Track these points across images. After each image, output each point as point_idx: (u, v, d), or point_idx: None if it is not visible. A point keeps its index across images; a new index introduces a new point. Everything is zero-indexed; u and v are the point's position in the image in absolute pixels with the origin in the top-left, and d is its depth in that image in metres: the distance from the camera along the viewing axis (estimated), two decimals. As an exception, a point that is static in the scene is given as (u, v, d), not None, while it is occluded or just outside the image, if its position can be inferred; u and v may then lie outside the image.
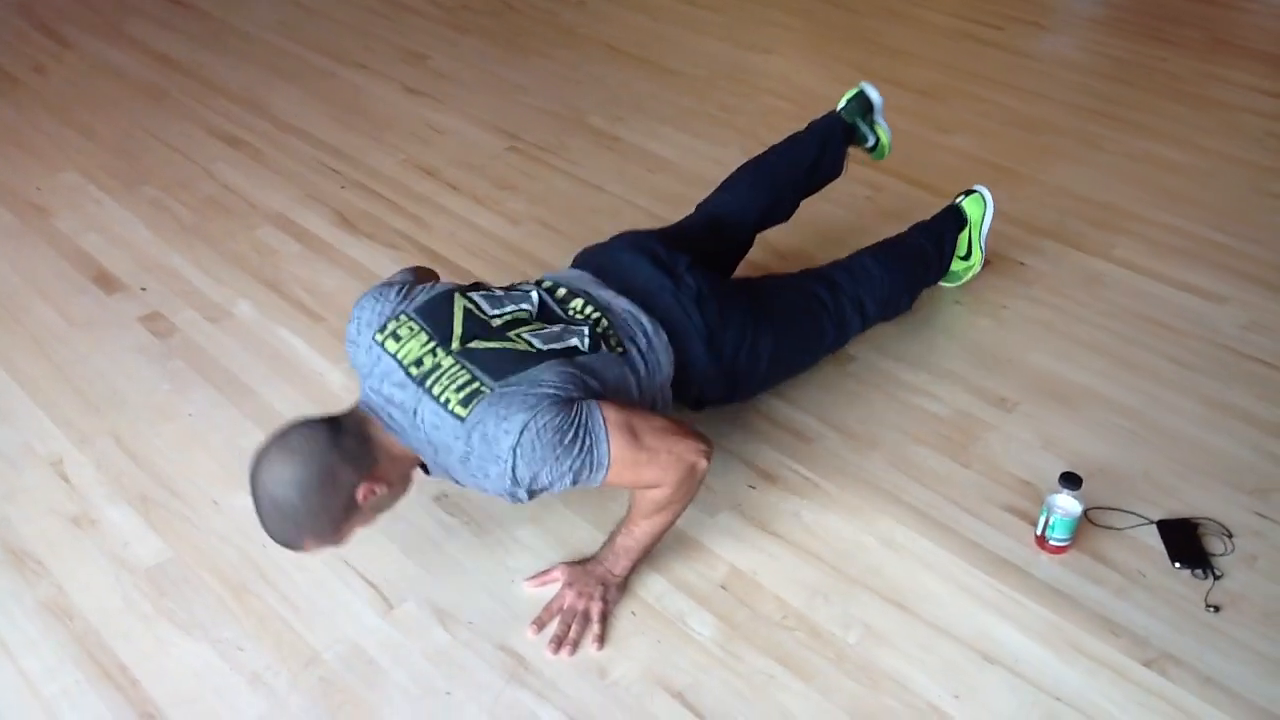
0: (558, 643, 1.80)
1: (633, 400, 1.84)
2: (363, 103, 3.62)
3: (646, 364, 1.91)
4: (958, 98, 3.74)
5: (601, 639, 1.81)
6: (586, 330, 1.83)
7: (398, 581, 1.92)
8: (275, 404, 2.30)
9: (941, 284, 2.69)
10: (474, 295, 1.85)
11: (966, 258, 2.64)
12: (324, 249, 2.82)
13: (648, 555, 1.91)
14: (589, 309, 1.90)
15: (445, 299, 1.81)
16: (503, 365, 1.69)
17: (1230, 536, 2.03)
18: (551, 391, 1.65)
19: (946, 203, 2.65)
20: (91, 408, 2.29)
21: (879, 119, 2.74)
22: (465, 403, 1.64)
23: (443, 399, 1.66)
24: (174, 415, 2.28)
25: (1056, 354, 2.51)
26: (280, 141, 3.35)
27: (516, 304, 1.86)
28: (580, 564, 1.91)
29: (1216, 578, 1.95)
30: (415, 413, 1.68)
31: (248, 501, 2.03)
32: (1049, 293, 2.72)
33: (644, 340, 1.93)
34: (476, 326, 1.77)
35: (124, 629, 1.82)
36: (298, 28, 4.20)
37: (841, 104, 2.68)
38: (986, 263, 2.69)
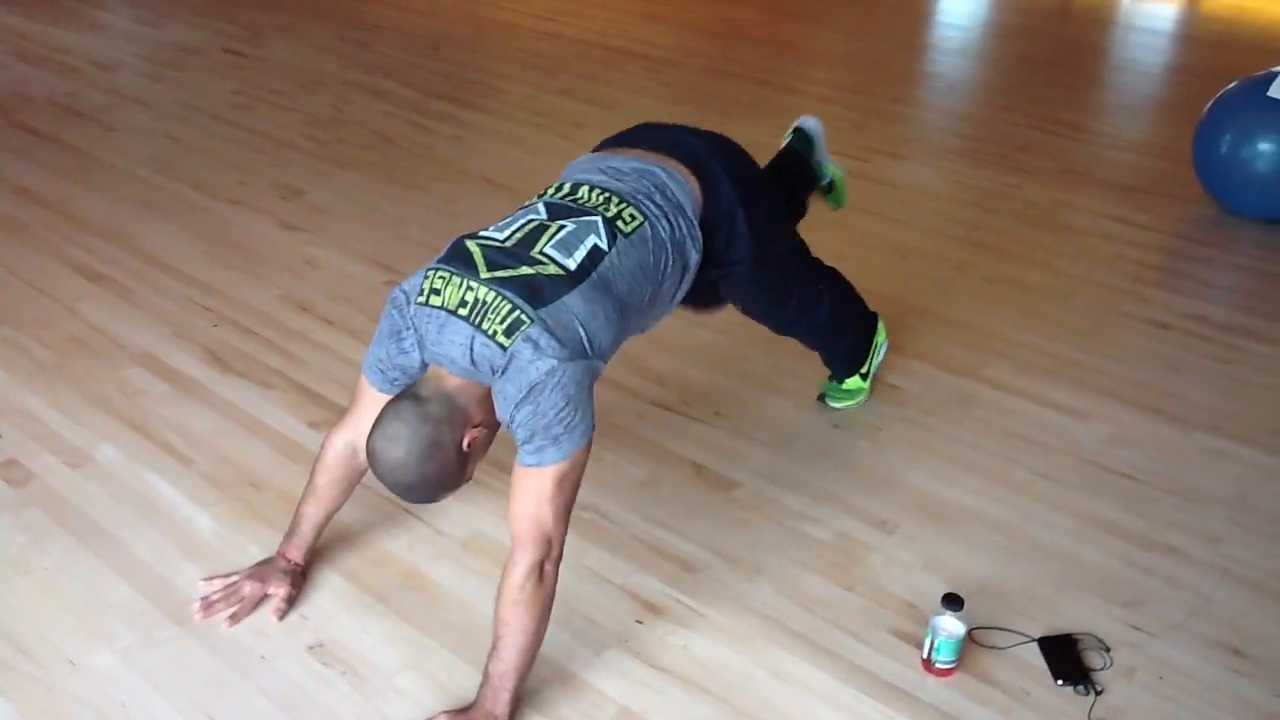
0: (443, 799, 1.73)
1: (652, 271, 1.97)
2: (237, 238, 3.57)
3: (666, 214, 2.01)
4: (825, 225, 3.84)
5: (490, 792, 1.75)
6: (600, 221, 1.93)
7: (270, 739, 1.82)
8: (140, 553, 2.19)
9: (834, 405, 2.76)
10: (481, 233, 1.93)
11: (866, 376, 2.73)
12: (194, 389, 2.74)
13: (523, 685, 1.84)
14: (594, 194, 1.99)
15: (458, 247, 1.89)
16: (538, 291, 1.79)
17: (1108, 650, 2.07)
18: (584, 342, 1.79)
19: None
20: (-63, 564, 2.15)
21: (826, 157, 2.73)
22: (509, 332, 1.75)
23: (489, 331, 1.75)
24: (28, 569, 2.15)
25: (932, 473, 2.56)
26: (149, 278, 3.27)
27: (524, 218, 1.94)
28: (462, 711, 1.83)
29: (1098, 693, 1.97)
30: (472, 349, 1.76)
31: (108, 659, 1.94)
32: (922, 414, 2.79)
33: (659, 195, 2.03)
34: (496, 255, 1.85)
35: (-35, 807, 1.68)
36: (170, 162, 4.14)
37: (785, 141, 2.68)
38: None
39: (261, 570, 2.08)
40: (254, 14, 6.28)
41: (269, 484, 2.40)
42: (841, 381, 2.76)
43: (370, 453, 1.77)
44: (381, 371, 1.93)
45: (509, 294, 1.77)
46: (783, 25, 6.95)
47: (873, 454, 2.64)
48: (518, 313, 1.76)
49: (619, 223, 1.94)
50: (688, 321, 2.81)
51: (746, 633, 2.07)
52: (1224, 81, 4.22)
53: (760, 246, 2.23)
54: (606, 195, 1.99)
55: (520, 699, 1.85)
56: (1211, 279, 3.71)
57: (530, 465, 1.77)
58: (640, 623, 2.09)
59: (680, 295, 2.12)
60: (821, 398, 2.79)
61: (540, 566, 1.78)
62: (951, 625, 1.96)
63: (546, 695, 1.90)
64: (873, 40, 6.65)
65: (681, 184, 2.08)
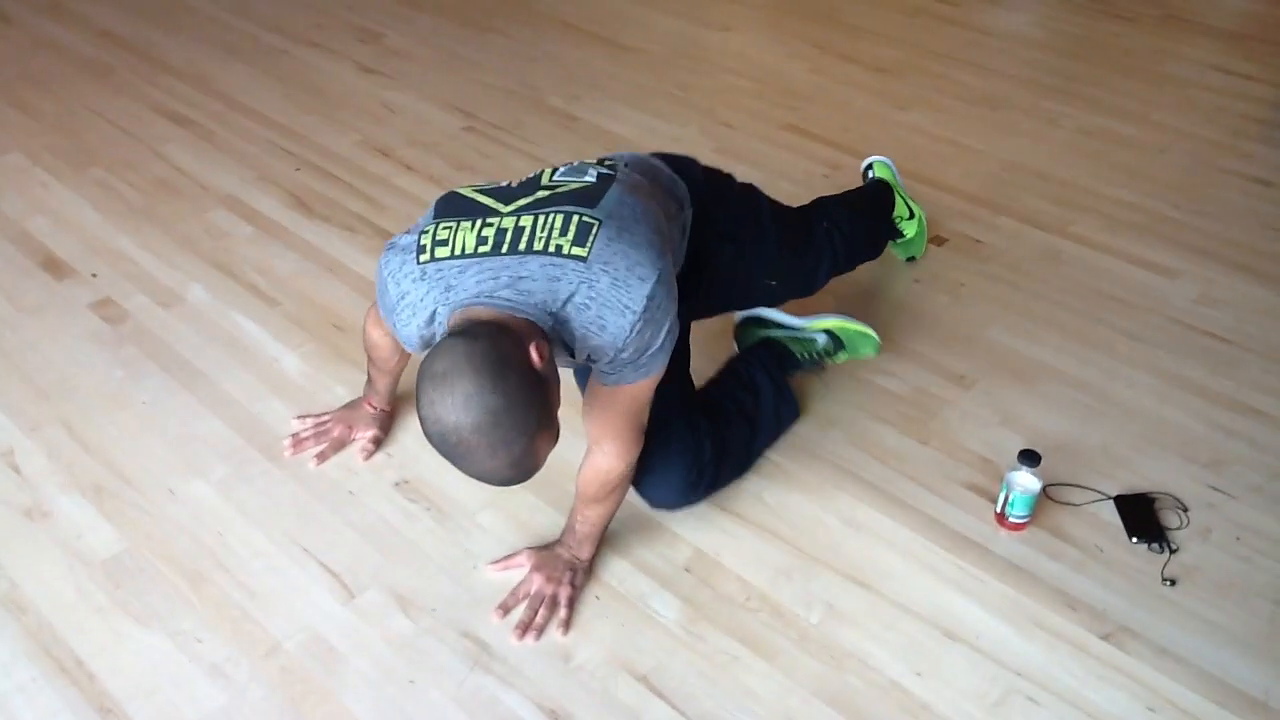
0: (523, 628, 1.79)
1: (663, 204, 1.75)
2: (316, 81, 3.56)
3: (660, 180, 1.83)
4: (915, 74, 3.74)
5: (568, 624, 1.81)
6: (591, 168, 1.70)
7: (358, 569, 1.90)
8: (231, 390, 2.27)
9: (901, 255, 2.71)
10: (472, 185, 1.68)
11: (911, 217, 2.66)
12: (278, 232, 2.78)
13: (604, 538, 1.91)
14: (574, 164, 1.75)
15: (452, 195, 1.65)
16: (583, 197, 1.57)
17: (1185, 510, 2.06)
18: (655, 238, 1.58)
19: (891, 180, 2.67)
20: (42, 396, 2.24)
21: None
22: (580, 241, 1.50)
23: (552, 247, 1.49)
24: (127, 403, 2.24)
25: (1013, 330, 2.52)
26: (231, 121, 3.29)
27: (506, 181, 1.71)
28: (546, 549, 1.90)
29: (1172, 551, 1.97)
30: (520, 280, 1.49)
31: (203, 488, 2.03)
32: (1006, 269, 2.73)
33: (651, 170, 1.85)
34: (505, 193, 1.63)
35: (79, 622, 1.79)
36: (248, 4, 4.12)
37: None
38: (938, 238, 2.71)
39: (349, 414, 2.14)
40: None
41: (352, 325, 2.44)
42: (897, 239, 2.69)
43: (428, 423, 1.39)
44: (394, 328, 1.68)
45: (553, 208, 1.55)
46: None
47: (953, 309, 2.61)
48: (578, 216, 1.53)
49: (609, 168, 1.74)
50: (769, 172, 2.76)
51: (819, 482, 2.10)
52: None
53: (754, 226, 2.06)
54: (596, 161, 1.78)
55: (598, 546, 1.91)
56: (1319, 134, 3.53)
57: (607, 384, 1.66)
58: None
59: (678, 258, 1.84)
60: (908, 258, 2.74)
61: (614, 467, 1.77)
62: (1027, 480, 1.96)
63: (623, 536, 1.95)
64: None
65: (669, 176, 1.89)
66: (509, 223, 1.55)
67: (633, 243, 1.55)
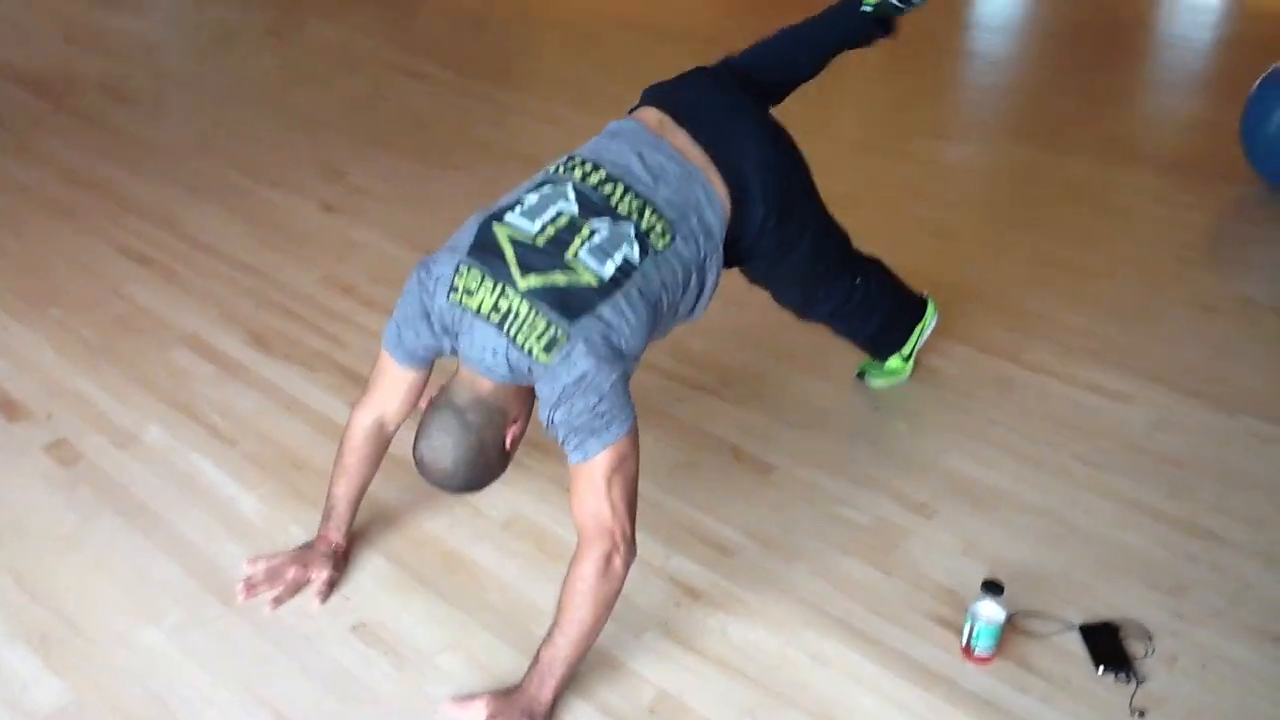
0: (480, 778, 1.75)
1: (678, 289, 1.98)
2: (279, 219, 3.61)
3: (696, 236, 2.01)
4: (869, 207, 3.83)
5: (527, 773, 1.77)
6: (632, 231, 1.92)
7: (314, 716, 1.85)
8: (186, 532, 2.23)
9: (872, 384, 2.76)
10: (508, 218, 1.92)
11: (908, 358, 2.72)
12: (238, 370, 2.78)
13: (573, 674, 1.86)
14: (629, 199, 1.96)
15: (487, 234, 1.89)
16: (571, 303, 1.81)
17: (1150, 638, 2.05)
18: (621, 346, 1.82)
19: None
20: (-9, 542, 2.20)
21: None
22: (548, 349, 1.79)
23: (526, 348, 1.79)
24: (79, 547, 2.19)
25: (972, 457, 2.54)
26: (194, 260, 3.31)
27: (554, 207, 1.92)
28: (505, 693, 1.85)
29: (1140, 682, 1.96)
30: (507, 359, 1.81)
31: (155, 635, 1.98)
32: (962, 396, 2.77)
33: (695, 218, 2.01)
34: (529, 255, 1.85)
35: (20, 780, 1.73)
36: (213, 145, 4.19)
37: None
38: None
39: (304, 554, 2.11)
40: (295, -6, 6.31)
41: (311, 464, 2.43)
42: (884, 361, 2.76)
43: (417, 460, 1.86)
44: (406, 350, 1.97)
45: (544, 308, 1.80)
46: (824, 2, 6.89)
47: (911, 437, 2.63)
48: (554, 328, 1.79)
49: (651, 235, 1.94)
50: (725, 302, 2.79)
51: (784, 616, 2.08)
52: (1274, 56, 4.13)
53: (782, 249, 2.27)
54: (641, 203, 1.96)
55: (565, 687, 1.86)
56: (1258, 260, 3.64)
57: (577, 462, 1.80)
58: (678, 606, 2.10)
59: (700, 308, 2.12)
60: (861, 375, 2.79)
61: (607, 559, 1.79)
62: (991, 611, 1.95)
63: (586, 678, 1.92)
64: (914, 18, 6.58)
65: (715, 204, 2.05)
66: (514, 303, 1.81)
67: (583, 349, 1.78)
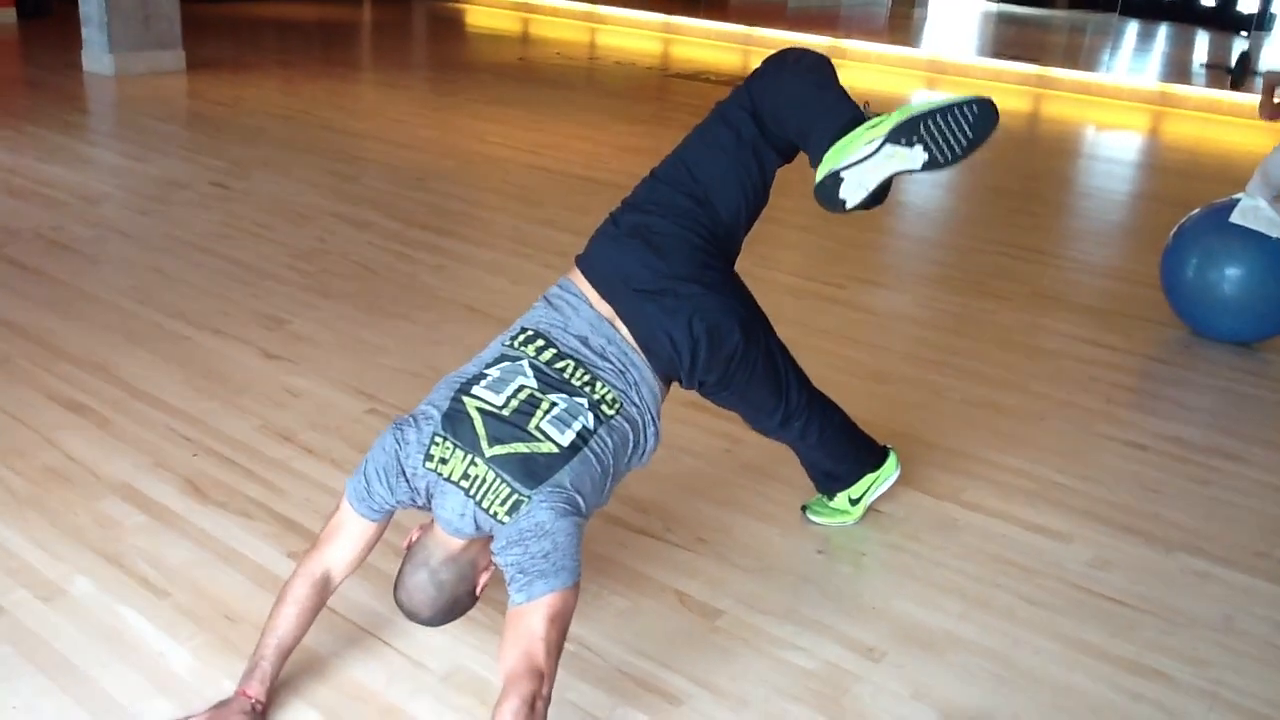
0: None
1: (628, 449, 2.14)
2: (218, 367, 3.58)
3: (637, 405, 2.16)
4: (806, 351, 3.88)
5: None
6: (586, 404, 2.07)
7: None
8: (111, 690, 2.14)
9: (815, 520, 2.78)
10: (476, 391, 2.07)
11: (856, 502, 2.74)
12: (172, 519, 2.71)
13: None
14: (580, 373, 2.12)
15: (459, 408, 2.04)
16: (535, 471, 1.96)
17: (1102, 781, 2.03)
18: (580, 504, 1.98)
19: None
20: (-100, 704, 2.09)
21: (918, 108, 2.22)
22: (510, 512, 1.93)
23: (491, 511, 1.94)
24: (-5, 708, 2.09)
25: (918, 599, 2.54)
26: (128, 408, 3.26)
27: (515, 380, 2.08)
28: None
29: (1093, 826, 1.93)
30: (475, 520, 1.95)
31: (74, 803, 1.87)
32: (905, 538, 2.78)
33: (634, 392, 2.16)
34: (496, 426, 2.01)
35: None
36: (152, 293, 4.17)
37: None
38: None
39: (220, 712, 2.02)
40: (240, 149, 6.41)
41: (245, 617, 2.36)
42: (831, 498, 2.77)
43: (399, 604, 2.03)
44: (373, 505, 2.06)
45: (508, 475, 1.95)
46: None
47: (857, 580, 2.62)
48: (517, 494, 1.94)
49: (603, 407, 2.10)
50: (670, 448, 2.82)
51: (733, 767, 2.03)
52: (1187, 208, 4.34)
53: (724, 401, 2.47)
54: (590, 379, 2.13)
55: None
56: (1186, 400, 3.75)
57: (519, 603, 1.88)
58: (624, 757, 2.04)
59: (645, 459, 2.24)
60: (804, 509, 2.80)
61: (533, 700, 1.79)
62: (942, 756, 1.92)
63: (528, 835, 1.84)
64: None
65: (652, 386, 2.22)
66: (482, 471, 1.96)
67: (544, 507, 1.93)
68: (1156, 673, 2.33)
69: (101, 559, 2.54)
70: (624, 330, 2.21)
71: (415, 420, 2.05)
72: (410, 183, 5.92)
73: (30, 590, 2.42)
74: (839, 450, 2.69)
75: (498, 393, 2.06)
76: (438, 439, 2.01)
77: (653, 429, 2.21)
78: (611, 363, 2.17)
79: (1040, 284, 4.81)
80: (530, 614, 1.86)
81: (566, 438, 2.02)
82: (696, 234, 2.25)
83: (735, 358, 2.31)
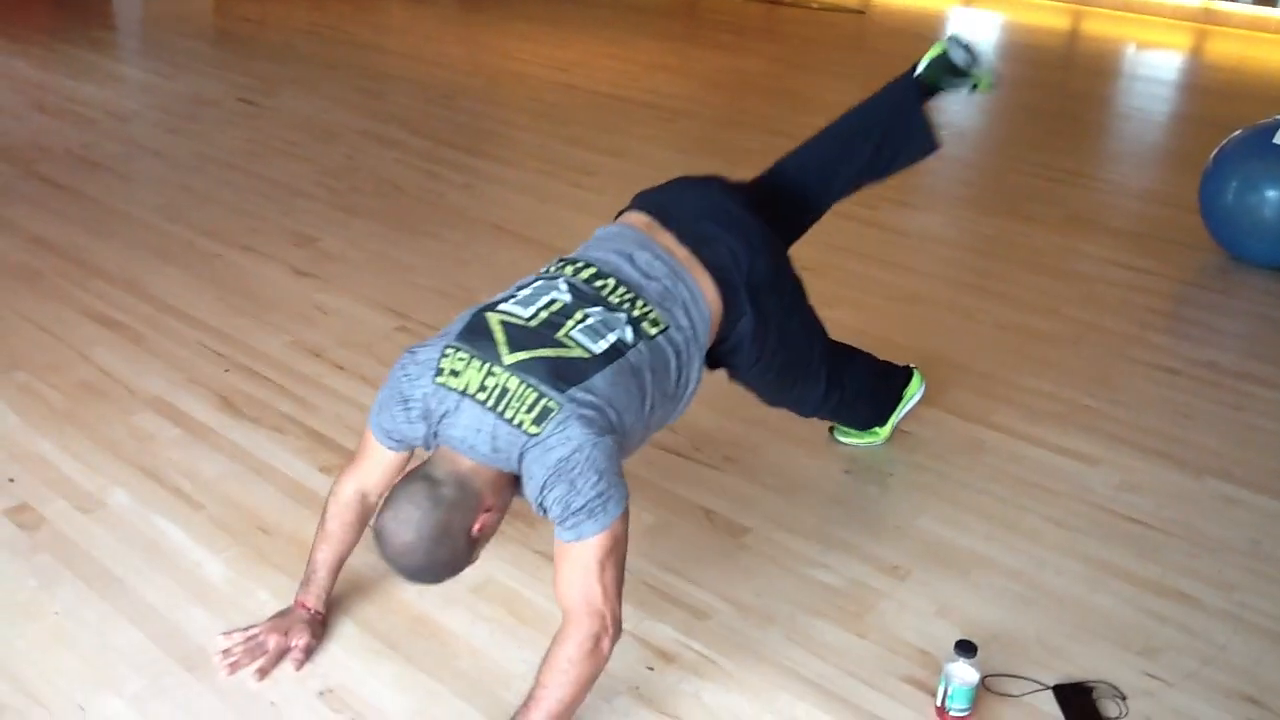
0: None
1: (668, 381, 1.97)
2: (248, 284, 3.60)
3: (684, 336, 2.02)
4: (837, 273, 3.89)
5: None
6: (625, 318, 1.93)
7: (278, 786, 1.80)
8: (150, 598, 2.19)
9: (842, 440, 2.80)
10: (502, 307, 1.92)
11: (882, 424, 2.74)
12: (205, 434, 2.75)
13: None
14: (621, 291, 1.98)
15: (479, 320, 1.89)
16: (562, 373, 1.79)
17: (1123, 699, 2.05)
18: (614, 420, 1.80)
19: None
20: (-53, 609, 2.15)
21: (978, 68, 2.58)
22: (538, 421, 1.75)
23: (516, 421, 1.75)
24: (38, 614, 2.14)
25: (943, 520, 2.55)
26: (161, 324, 3.29)
27: (547, 296, 1.94)
28: (473, 758, 1.82)
29: (1114, 742, 1.95)
30: (494, 437, 1.76)
31: (116, 704, 1.93)
32: (933, 459, 2.78)
33: (683, 314, 2.03)
34: (520, 335, 1.85)
35: None
36: (183, 211, 4.19)
37: (921, 67, 2.53)
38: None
39: (282, 621, 2.06)
40: (268, 66, 6.37)
41: (279, 529, 2.40)
42: (863, 431, 2.78)
43: (378, 532, 1.76)
44: (385, 431, 1.94)
45: (533, 379, 1.77)
46: (791, 76, 7.04)
47: (883, 500, 2.63)
48: (545, 399, 1.75)
49: (644, 324, 1.95)
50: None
51: (757, 680, 2.06)
52: (1228, 130, 4.25)
53: (762, 355, 2.27)
54: (632, 296, 1.99)
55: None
56: (1220, 325, 3.71)
57: (570, 541, 1.76)
58: (651, 669, 2.07)
59: (679, 409, 2.10)
60: (831, 430, 2.80)
61: (596, 640, 1.76)
62: (965, 672, 1.95)
63: (557, 742, 1.89)
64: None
65: (701, 304, 2.07)
66: (502, 379, 1.79)
67: (576, 420, 1.75)
68: (1181, 594, 2.34)
69: (138, 471, 2.59)
70: (677, 250, 2.10)
71: (426, 343, 1.91)
72: (438, 100, 5.88)
73: (69, 501, 2.47)
74: (869, 402, 2.70)
75: (526, 307, 1.91)
76: (449, 351, 1.84)
77: (697, 363, 2.06)
78: (658, 281, 2.03)
79: (1075, 207, 4.74)
80: (584, 554, 1.75)
81: (599, 346, 1.86)
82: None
83: (788, 290, 2.27)
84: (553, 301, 1.93)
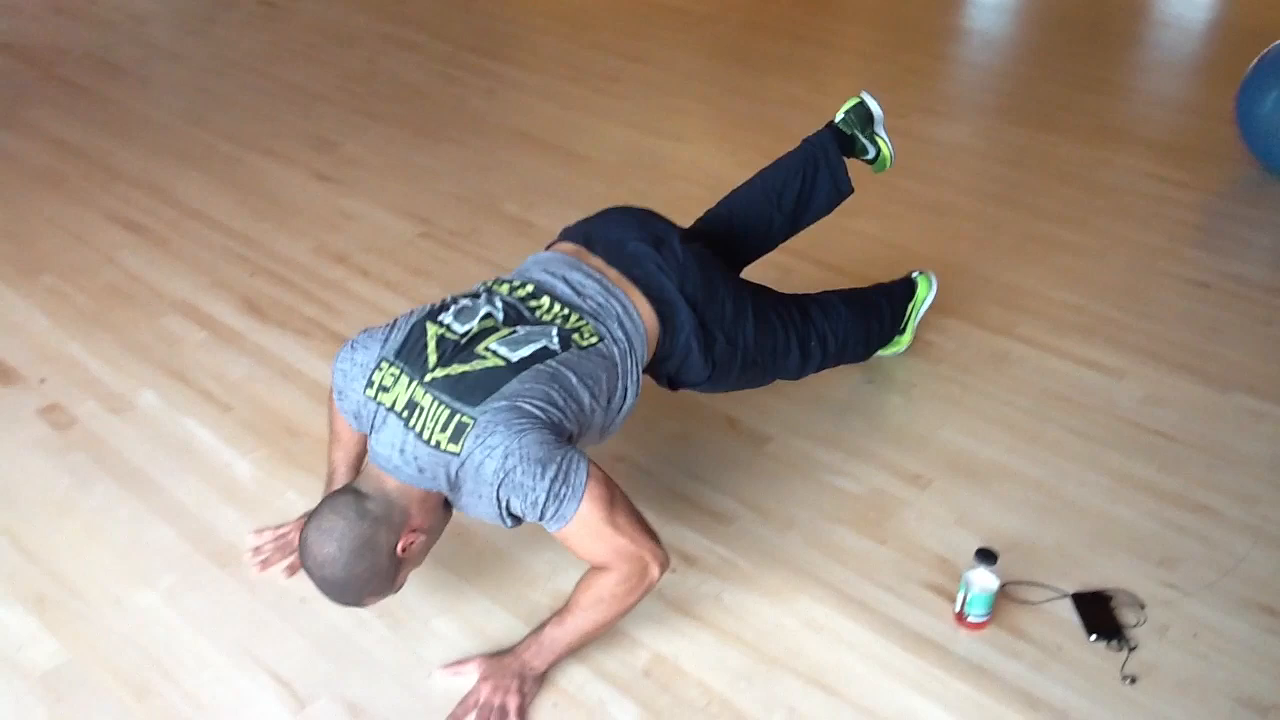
0: (474, 739, 1.75)
1: (600, 391, 1.88)
2: (271, 189, 3.59)
3: (619, 349, 1.95)
4: (863, 182, 3.82)
5: (521, 733, 1.77)
6: (555, 331, 1.88)
7: (308, 677, 1.85)
8: (181, 497, 2.23)
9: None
10: (444, 318, 1.89)
11: (901, 332, 2.72)
12: (231, 337, 2.77)
13: (571, 653, 1.87)
14: (555, 307, 1.94)
15: (419, 331, 1.86)
16: (476, 387, 1.75)
17: (1142, 607, 2.07)
18: (535, 412, 1.73)
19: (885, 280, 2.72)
20: (-17, 505, 2.19)
21: (880, 130, 2.70)
22: (455, 438, 1.71)
23: (432, 441, 1.72)
24: (73, 511, 2.19)
25: (966, 430, 2.55)
26: (185, 228, 3.30)
27: (483, 311, 1.90)
28: (496, 657, 1.86)
29: (1131, 649, 1.97)
30: (416, 457, 1.73)
31: (150, 598, 1.98)
32: (956, 370, 2.78)
33: (617, 328, 1.97)
34: (449, 350, 1.82)
35: (15, 739, 1.73)
36: (204, 114, 4.16)
37: (839, 115, 2.65)
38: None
39: None
40: (287, -34, 6.26)
41: (306, 430, 2.42)
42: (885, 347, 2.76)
43: (302, 542, 1.72)
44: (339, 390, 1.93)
45: (446, 397, 1.74)
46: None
47: (906, 410, 2.64)
48: (458, 415, 1.72)
49: (575, 335, 1.90)
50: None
51: (778, 584, 2.09)
52: (1269, 40, 4.14)
53: (718, 363, 2.18)
54: (566, 313, 1.94)
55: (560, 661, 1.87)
56: (1252, 239, 3.66)
57: (562, 528, 1.73)
58: (674, 572, 2.10)
59: (614, 426, 2.00)
60: None
61: (643, 573, 1.79)
62: (985, 579, 1.97)
63: (581, 641, 1.92)
64: (909, -4, 6.55)
65: (637, 324, 2.01)
66: (419, 395, 1.77)
67: (493, 430, 1.70)
68: (1202, 507, 2.35)
69: (166, 373, 2.61)
70: (607, 270, 2.06)
71: (366, 343, 1.89)
72: (459, 3, 5.78)
73: (100, 402, 2.50)
74: (865, 335, 2.61)
75: (464, 323, 1.87)
76: (383, 365, 1.82)
77: (634, 376, 1.98)
78: (591, 299, 1.98)
79: (1107, 117, 4.64)
80: (583, 529, 1.73)
81: (517, 355, 1.81)
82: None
83: (729, 298, 2.18)
84: (487, 316, 1.89)
